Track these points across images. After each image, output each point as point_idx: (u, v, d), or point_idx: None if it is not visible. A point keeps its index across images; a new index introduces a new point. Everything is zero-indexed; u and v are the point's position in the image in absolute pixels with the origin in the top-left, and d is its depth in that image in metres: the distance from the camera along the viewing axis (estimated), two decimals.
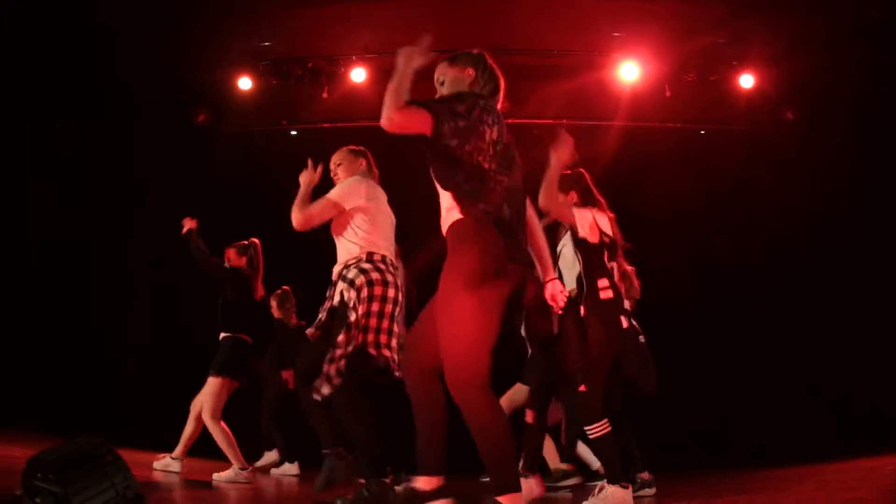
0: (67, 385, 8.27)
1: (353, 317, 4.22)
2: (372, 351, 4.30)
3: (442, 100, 3.23)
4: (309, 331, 4.45)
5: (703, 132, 9.54)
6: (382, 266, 4.36)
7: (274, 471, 7.29)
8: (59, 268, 8.62)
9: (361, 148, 4.81)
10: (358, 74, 8.88)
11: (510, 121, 9.48)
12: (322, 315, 4.44)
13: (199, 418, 6.07)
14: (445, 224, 3.15)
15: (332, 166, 4.76)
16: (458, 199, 3.09)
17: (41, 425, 7.21)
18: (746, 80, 8.79)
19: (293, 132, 9.78)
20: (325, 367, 4.15)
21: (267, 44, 8.88)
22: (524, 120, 8.99)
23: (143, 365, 8.99)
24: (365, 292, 4.26)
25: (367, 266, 4.32)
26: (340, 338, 4.18)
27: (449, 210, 3.13)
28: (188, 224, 6.41)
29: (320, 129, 9.30)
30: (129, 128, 9.02)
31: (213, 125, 9.42)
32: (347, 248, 4.43)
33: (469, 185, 3.09)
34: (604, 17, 8.34)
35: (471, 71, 3.41)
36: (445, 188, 3.15)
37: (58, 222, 8.62)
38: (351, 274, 4.31)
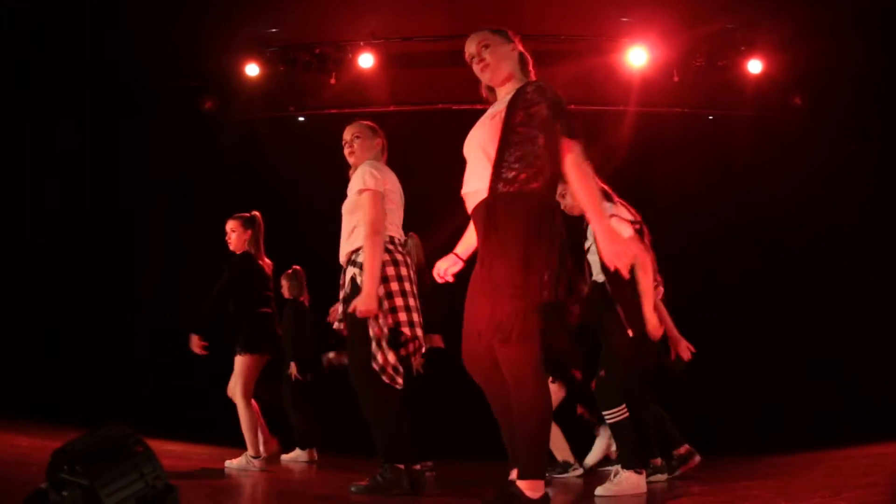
0: (68, 378, 8.33)
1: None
2: (406, 330, 4.31)
3: (564, 111, 3.23)
4: (336, 326, 4.48)
5: (711, 117, 9.51)
6: (391, 247, 4.36)
7: (284, 457, 7.30)
8: (62, 262, 8.66)
9: (377, 127, 4.76)
10: (365, 60, 8.85)
11: None
12: (342, 305, 4.46)
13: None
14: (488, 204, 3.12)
15: (347, 137, 4.67)
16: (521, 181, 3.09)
17: (40, 417, 7.26)
18: (755, 66, 8.74)
19: (301, 118, 9.77)
20: (379, 360, 4.19)
21: (274, 30, 8.83)
22: None
23: (149, 355, 9.02)
24: (392, 271, 4.28)
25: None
26: (374, 330, 4.21)
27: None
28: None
29: (328, 116, 9.27)
30: (135, 115, 9.01)
31: (221, 112, 9.40)
32: (358, 231, 4.43)
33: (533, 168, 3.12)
34: (612, 2, 8.31)
35: (517, 44, 3.40)
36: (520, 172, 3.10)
37: (61, 217, 8.66)
38: (361, 258, 4.32)
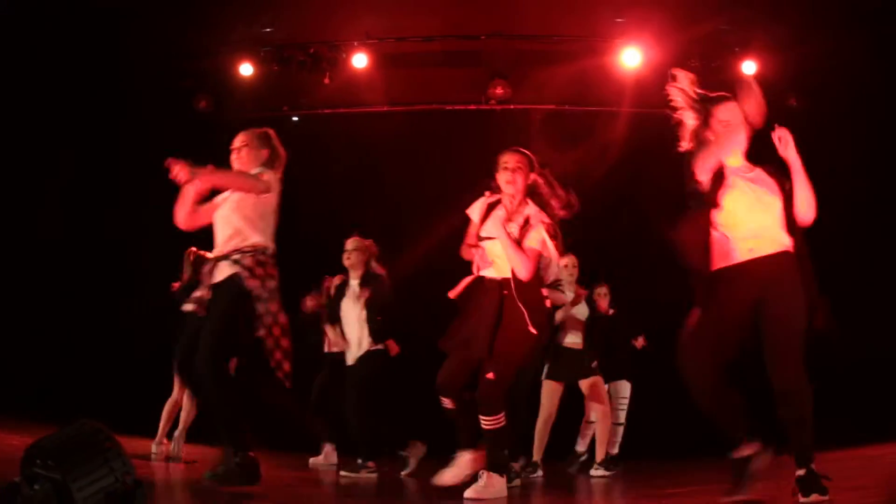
0: (67, 374, 8.33)
1: (263, 307, 4.25)
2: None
3: None
4: (192, 307, 4.56)
5: None
6: (272, 261, 4.41)
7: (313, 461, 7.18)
8: (62, 262, 8.67)
9: (267, 133, 4.74)
10: (359, 60, 8.83)
11: (511, 106, 9.46)
12: (204, 292, 4.39)
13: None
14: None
15: (236, 144, 4.67)
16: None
17: (39, 413, 7.24)
18: (749, 67, 8.71)
19: (295, 118, 9.74)
20: (276, 357, 4.30)
21: (268, 30, 8.84)
22: (525, 105, 8.99)
23: (149, 356, 9.00)
24: (270, 284, 4.32)
25: (264, 259, 4.36)
26: (270, 329, 4.29)
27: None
28: None
29: (322, 116, 9.25)
30: (129, 114, 9.00)
31: (215, 111, 9.37)
32: (248, 232, 4.42)
33: None
34: (606, 3, 8.31)
35: None
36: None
37: (61, 216, 8.65)
38: (247, 262, 4.31)
